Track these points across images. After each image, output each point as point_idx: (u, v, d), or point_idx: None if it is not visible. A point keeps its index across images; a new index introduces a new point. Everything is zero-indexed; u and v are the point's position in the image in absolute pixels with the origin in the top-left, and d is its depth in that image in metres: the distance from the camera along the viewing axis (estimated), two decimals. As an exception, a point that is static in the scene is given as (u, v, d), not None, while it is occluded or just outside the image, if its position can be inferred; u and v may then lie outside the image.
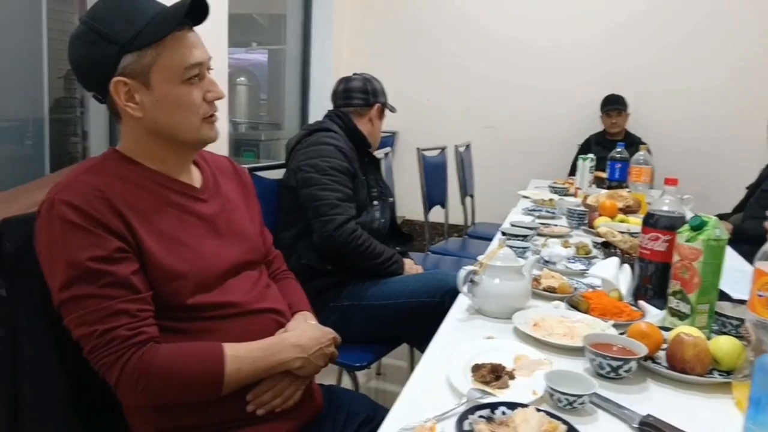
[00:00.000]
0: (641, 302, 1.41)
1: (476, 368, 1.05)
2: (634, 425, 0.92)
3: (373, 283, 1.87)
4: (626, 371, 1.06)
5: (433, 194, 3.39)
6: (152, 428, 1.04)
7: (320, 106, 4.46)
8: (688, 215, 2.48)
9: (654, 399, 1.04)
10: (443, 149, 3.67)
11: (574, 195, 3.03)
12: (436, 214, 3.61)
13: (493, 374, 1.02)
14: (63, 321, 0.97)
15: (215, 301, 1.07)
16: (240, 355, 1.03)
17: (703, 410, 1.01)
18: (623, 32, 4.43)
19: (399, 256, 1.97)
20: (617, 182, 3.01)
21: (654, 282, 1.40)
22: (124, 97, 1.04)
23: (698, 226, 1.28)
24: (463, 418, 0.87)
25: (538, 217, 2.57)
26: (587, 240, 2.05)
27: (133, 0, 1.04)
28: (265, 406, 1.08)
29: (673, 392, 1.06)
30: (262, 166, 2.20)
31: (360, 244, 1.84)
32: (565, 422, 0.86)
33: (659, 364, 1.11)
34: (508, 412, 0.88)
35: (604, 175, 3.20)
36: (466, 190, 3.85)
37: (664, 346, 1.14)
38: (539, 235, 2.18)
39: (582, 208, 2.45)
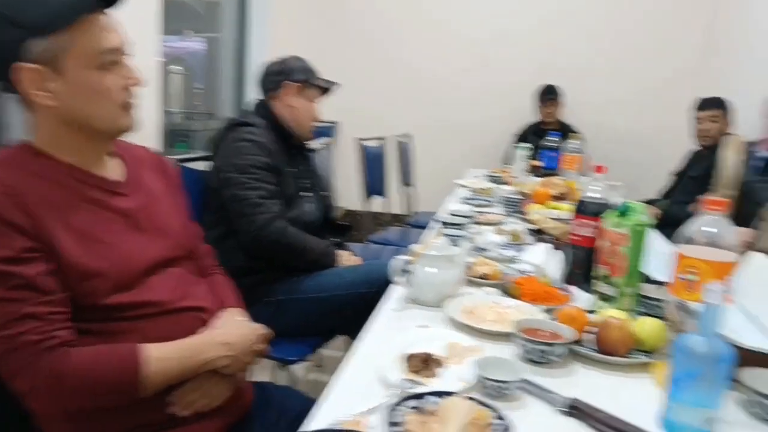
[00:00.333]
0: (571, 286, 1.44)
1: (409, 358, 1.04)
2: (562, 409, 0.94)
3: (308, 276, 1.84)
4: (555, 355, 1.08)
5: (373, 184, 3.38)
6: (69, 436, 0.99)
7: (257, 95, 4.37)
8: (619, 201, 2.57)
9: (582, 382, 1.06)
10: (383, 139, 3.66)
11: (510, 183, 3.08)
12: (377, 204, 3.61)
13: (424, 363, 1.02)
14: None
15: (135, 301, 1.02)
16: (162, 355, 0.98)
17: (626, 390, 1.04)
18: (558, 23, 4.54)
19: (333, 248, 1.94)
20: (550, 170, 3.08)
21: (582, 266, 1.43)
22: (33, 85, 0.97)
23: (624, 212, 1.32)
24: (392, 409, 0.86)
25: (476, 206, 2.60)
26: (521, 227, 2.08)
27: None
28: (190, 407, 1.04)
29: (599, 374, 1.09)
30: (193, 157, 2.10)
31: (289, 242, 1.79)
32: (493, 409, 0.86)
33: (587, 347, 1.14)
34: (438, 401, 0.88)
35: (539, 163, 3.27)
36: (406, 180, 3.86)
37: (591, 329, 1.17)
38: (475, 223, 2.21)
39: (517, 196, 2.49)
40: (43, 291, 0.92)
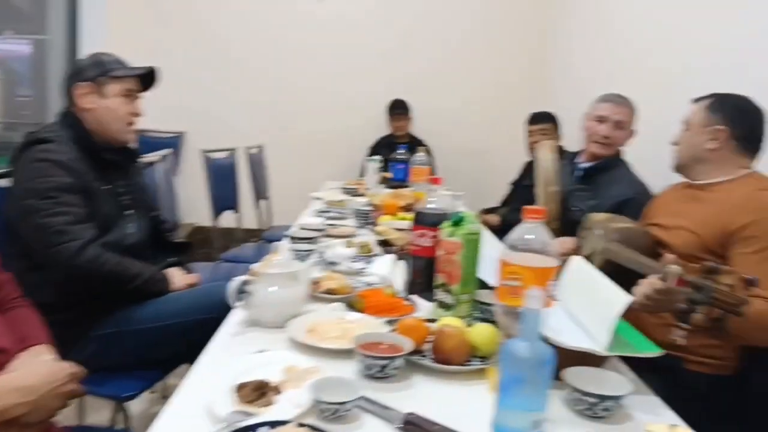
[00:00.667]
0: (414, 296, 1.46)
1: (240, 387, 0.97)
2: (397, 425, 0.92)
3: (140, 305, 1.67)
4: (394, 369, 1.07)
5: (223, 198, 3.23)
6: None
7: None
8: (461, 210, 2.67)
9: (421, 394, 1.07)
10: (233, 150, 3.52)
11: (364, 195, 3.11)
12: (230, 220, 3.46)
13: (257, 392, 0.96)
14: None
15: None
16: None
17: (464, 398, 1.06)
18: (408, 38, 4.70)
19: (162, 273, 1.76)
20: (400, 182, 3.16)
21: (423, 276, 1.46)
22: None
23: (458, 222, 1.36)
24: (217, 447, 0.79)
25: (329, 218, 2.57)
26: (372, 239, 2.09)
27: None
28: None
29: (438, 384, 1.10)
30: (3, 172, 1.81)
31: (108, 270, 1.59)
32: (327, 434, 0.82)
33: (426, 357, 1.15)
34: (269, 432, 0.83)
35: (390, 175, 3.33)
36: (260, 193, 3.75)
37: (431, 338, 1.18)
38: (328, 236, 2.18)
39: (368, 208, 2.50)
40: None
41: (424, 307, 1.41)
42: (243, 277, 1.31)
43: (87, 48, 4.23)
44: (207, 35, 4.67)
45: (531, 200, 2.33)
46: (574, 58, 3.97)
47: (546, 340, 1.01)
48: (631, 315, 1.67)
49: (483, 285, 1.38)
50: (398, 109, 4.46)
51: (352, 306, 1.40)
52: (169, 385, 2.51)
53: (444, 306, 1.35)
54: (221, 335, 1.25)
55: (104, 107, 1.71)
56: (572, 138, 3.02)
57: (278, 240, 3.29)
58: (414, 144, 3.96)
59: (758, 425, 1.56)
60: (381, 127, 4.59)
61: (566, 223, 2.15)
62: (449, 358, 1.12)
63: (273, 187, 4.09)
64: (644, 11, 2.92)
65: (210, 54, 4.67)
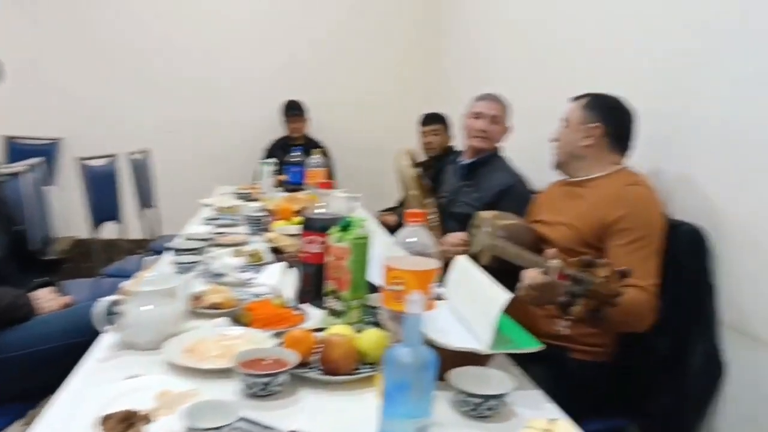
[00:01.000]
0: (304, 305, 1.41)
1: (106, 419, 0.89)
2: (280, 445, 0.88)
3: (1, 332, 1.50)
4: (278, 385, 1.03)
5: (103, 208, 3.01)
6: None
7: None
8: (358, 211, 2.66)
9: (308, 408, 1.02)
10: (113, 157, 3.29)
11: (258, 200, 3.01)
12: (112, 231, 3.23)
13: (124, 423, 0.88)
14: None
15: None
16: None
17: (352, 409, 1.03)
18: (303, 39, 4.62)
19: (25, 297, 1.60)
20: (295, 185, 3.10)
21: (313, 283, 1.42)
22: None
23: (346, 226, 1.33)
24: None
25: (220, 226, 2.46)
26: (263, 246, 2.02)
27: None
28: None
29: (326, 396, 1.06)
30: None
31: None
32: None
33: (313, 369, 1.11)
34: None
35: (285, 178, 3.26)
36: (145, 201, 3.54)
37: (319, 348, 1.14)
38: (216, 245, 2.08)
39: (261, 214, 2.42)
40: None
41: (315, 316, 1.36)
42: (111, 298, 1.20)
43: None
44: (88, 35, 4.36)
45: (426, 200, 2.37)
46: (468, 58, 4.08)
47: (430, 343, 1.01)
48: (519, 308, 1.73)
49: (376, 289, 1.36)
50: (294, 110, 4.38)
51: (238, 320, 1.33)
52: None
53: (334, 313, 1.32)
54: (88, 361, 1.15)
55: None
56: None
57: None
58: (310, 145, 3.90)
59: (635, 406, 1.66)
60: (277, 129, 4.49)
61: (453, 220, 2.20)
62: (337, 368, 1.09)
63: (162, 195, 3.88)
64: (534, 12, 3.02)
65: (92, 55, 4.36)
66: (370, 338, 1.15)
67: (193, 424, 0.85)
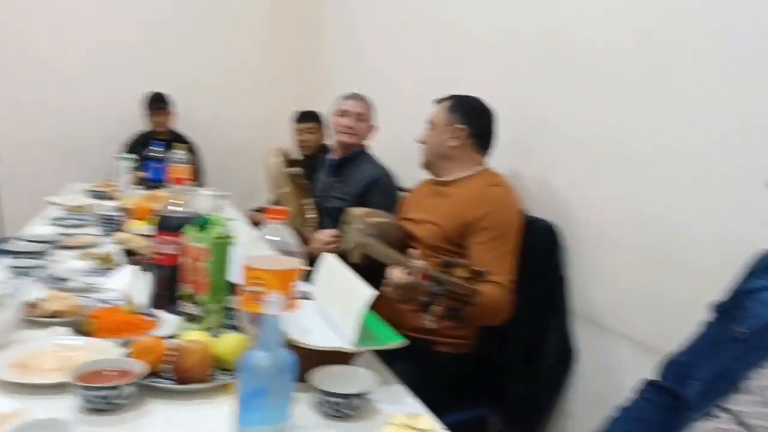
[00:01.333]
0: (158, 311, 1.31)
1: None
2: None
3: None
4: (124, 398, 0.93)
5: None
6: None
7: None
8: (228, 211, 2.55)
9: (157, 420, 0.95)
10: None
11: (114, 198, 2.78)
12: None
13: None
14: None
15: None
16: None
17: (207, 418, 0.97)
18: (166, 30, 4.34)
19: None
20: (156, 182, 2.90)
21: (168, 287, 1.32)
22: None
23: (204, 225, 1.25)
24: None
25: (68, 226, 2.24)
26: (115, 248, 1.85)
27: None
28: None
29: (179, 407, 0.99)
30: None
31: None
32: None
33: (164, 378, 1.02)
34: None
35: (145, 175, 3.05)
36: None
37: (172, 356, 1.06)
38: (62, 247, 1.88)
39: (115, 213, 2.24)
40: None
41: (170, 322, 1.27)
42: None
43: None
44: None
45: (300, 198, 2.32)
46: (344, 57, 4.06)
47: (291, 344, 0.98)
48: (386, 302, 1.74)
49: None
50: (157, 104, 4.10)
51: (80, 329, 1.20)
52: None
53: (191, 319, 1.23)
54: None
55: None
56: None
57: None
58: (176, 141, 3.68)
59: (496, 395, 1.73)
60: (137, 124, 4.19)
61: (327, 216, 2.19)
62: (191, 376, 1.02)
63: (5, 194, 3.47)
64: (407, 13, 3.06)
65: None
66: (228, 343, 1.08)
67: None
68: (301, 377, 1.01)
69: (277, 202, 2.31)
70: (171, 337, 1.13)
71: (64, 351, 1.09)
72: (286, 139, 3.66)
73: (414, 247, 1.54)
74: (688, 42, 1.43)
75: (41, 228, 2.18)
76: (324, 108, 3.56)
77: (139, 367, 0.97)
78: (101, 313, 1.25)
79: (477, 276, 1.32)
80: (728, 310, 1.00)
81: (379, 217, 1.84)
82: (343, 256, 1.69)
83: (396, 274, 1.43)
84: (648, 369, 1.11)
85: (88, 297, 1.40)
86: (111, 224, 2.17)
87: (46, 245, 1.81)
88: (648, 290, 1.50)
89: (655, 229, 1.49)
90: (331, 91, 4.14)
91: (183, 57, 4.39)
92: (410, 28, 2.97)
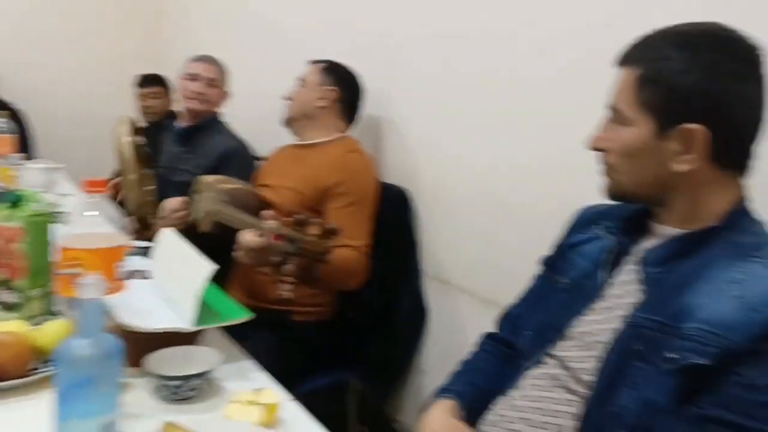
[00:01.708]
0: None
1: None
2: None
3: None
4: None
5: None
6: None
7: None
8: (62, 185, 2.31)
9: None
10: None
11: None
12: None
13: None
14: None
15: None
16: None
17: (27, 416, 0.87)
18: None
19: None
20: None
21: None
22: None
23: (16, 202, 1.11)
24: None
25: None
26: None
27: None
28: None
29: (-7, 407, 0.88)
30: None
31: None
32: None
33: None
34: None
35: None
36: None
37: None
38: None
39: None
40: None
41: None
42: None
43: None
44: None
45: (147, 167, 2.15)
46: (193, 18, 3.80)
47: (121, 328, 0.90)
48: (245, 275, 1.69)
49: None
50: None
51: None
52: None
53: (7, 307, 1.10)
54: None
55: None
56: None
57: None
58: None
59: (356, 358, 1.76)
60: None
61: (174, 190, 2.05)
62: (6, 372, 0.91)
63: None
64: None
65: None
66: (49, 332, 0.98)
67: None
68: (137, 362, 0.94)
69: (123, 175, 2.12)
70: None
71: None
72: (130, 103, 3.38)
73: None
74: None
75: None
76: (171, 72, 3.33)
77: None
78: None
79: (330, 234, 1.30)
80: (554, 264, 1.07)
81: (232, 184, 1.77)
82: (194, 225, 1.61)
83: (247, 238, 1.38)
84: (490, 323, 1.18)
85: None
86: None
87: None
88: (488, 248, 1.58)
89: (492, 187, 1.56)
90: (180, 53, 3.89)
91: (2, 10, 3.87)
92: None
